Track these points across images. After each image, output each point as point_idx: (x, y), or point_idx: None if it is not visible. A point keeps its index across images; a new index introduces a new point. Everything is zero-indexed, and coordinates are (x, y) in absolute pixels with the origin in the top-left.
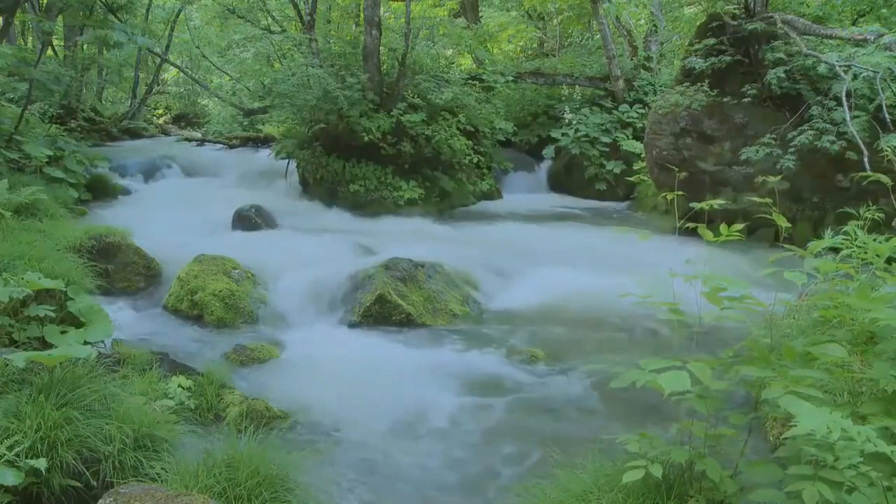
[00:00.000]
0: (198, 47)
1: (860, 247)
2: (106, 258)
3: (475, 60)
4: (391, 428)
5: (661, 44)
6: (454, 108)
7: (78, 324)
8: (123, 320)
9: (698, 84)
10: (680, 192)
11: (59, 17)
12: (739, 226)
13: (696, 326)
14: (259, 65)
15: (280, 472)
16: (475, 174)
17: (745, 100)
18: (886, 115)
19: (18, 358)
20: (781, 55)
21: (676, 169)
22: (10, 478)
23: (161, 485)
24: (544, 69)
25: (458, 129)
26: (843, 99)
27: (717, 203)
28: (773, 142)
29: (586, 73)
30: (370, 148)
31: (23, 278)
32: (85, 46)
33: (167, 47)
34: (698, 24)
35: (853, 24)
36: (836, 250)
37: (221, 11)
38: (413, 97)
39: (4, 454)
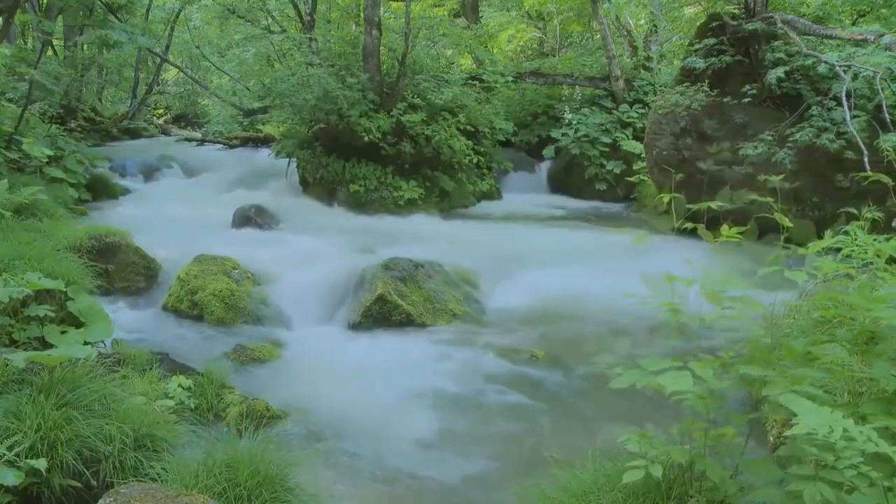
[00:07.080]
0: (198, 47)
1: (861, 246)
2: (106, 258)
3: (475, 60)
4: (390, 428)
5: (661, 44)
6: (454, 108)
7: (78, 324)
8: (123, 320)
9: (698, 84)
10: (678, 195)
11: (59, 17)
12: (740, 228)
13: (696, 326)
14: (259, 65)
15: (280, 472)
16: (475, 174)
17: (745, 100)
18: (886, 115)
19: (18, 358)
20: (781, 55)
21: (674, 171)
22: (10, 478)
23: (161, 485)
24: (544, 69)
25: (458, 129)
26: (843, 99)
27: (716, 204)
28: (772, 139)
29: (586, 73)
30: (370, 148)
31: (23, 278)
32: (85, 46)
33: (167, 47)
34: (698, 24)
35: (853, 24)
36: (836, 250)
37: (221, 11)
38: (413, 97)
39: (4, 454)
